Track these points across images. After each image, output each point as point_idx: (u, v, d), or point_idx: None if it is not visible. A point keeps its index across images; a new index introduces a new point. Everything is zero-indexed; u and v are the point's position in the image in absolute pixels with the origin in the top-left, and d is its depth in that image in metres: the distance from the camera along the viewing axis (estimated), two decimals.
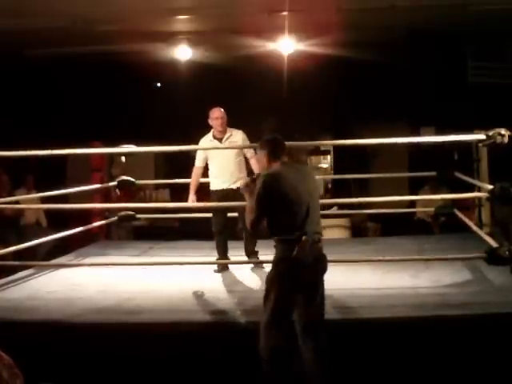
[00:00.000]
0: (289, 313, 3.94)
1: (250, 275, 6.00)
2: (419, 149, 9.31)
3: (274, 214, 3.96)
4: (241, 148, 6.30)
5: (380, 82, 10.23)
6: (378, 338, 4.34)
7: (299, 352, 3.96)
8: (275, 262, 3.99)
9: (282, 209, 3.94)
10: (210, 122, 6.36)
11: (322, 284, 4.03)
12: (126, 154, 7.96)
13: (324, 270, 4.03)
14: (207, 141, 6.39)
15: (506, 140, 5.12)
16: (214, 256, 6.38)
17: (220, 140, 6.33)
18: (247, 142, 6.29)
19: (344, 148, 10.38)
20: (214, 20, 8.67)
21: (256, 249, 6.31)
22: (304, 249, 3.87)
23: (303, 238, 3.87)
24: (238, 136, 6.32)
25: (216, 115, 6.31)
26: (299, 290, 3.93)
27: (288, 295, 3.91)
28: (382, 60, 9.62)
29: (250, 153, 6.29)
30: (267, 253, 6.65)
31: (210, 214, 6.54)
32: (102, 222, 8.14)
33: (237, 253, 6.53)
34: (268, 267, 6.15)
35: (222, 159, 6.30)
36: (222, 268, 6.23)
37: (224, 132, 6.28)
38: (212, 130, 6.37)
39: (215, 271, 6.21)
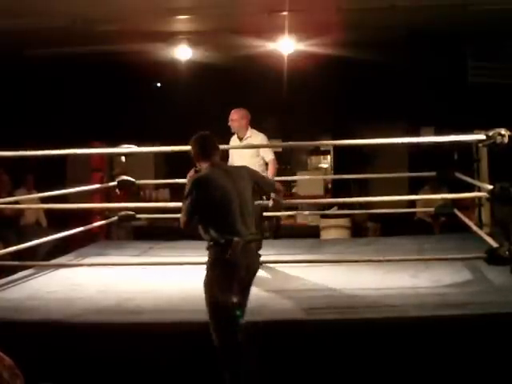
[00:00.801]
0: (234, 311, 3.96)
1: None
2: (419, 149, 9.32)
3: (204, 218, 4.01)
4: (254, 147, 6.36)
5: (380, 81, 10.24)
6: (378, 337, 4.34)
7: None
8: (209, 266, 4.04)
9: (211, 213, 3.98)
10: None
11: (251, 283, 4.14)
12: (126, 154, 7.96)
13: (257, 269, 4.16)
14: (232, 140, 6.56)
15: (506, 140, 5.11)
16: None
17: (240, 140, 6.45)
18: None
19: (344, 148, 10.40)
20: (214, 20, 8.68)
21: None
22: (236, 251, 3.92)
23: (235, 240, 3.91)
24: (255, 138, 6.43)
25: (230, 117, 6.45)
26: (235, 291, 3.97)
27: (226, 296, 3.94)
28: (381, 60, 9.63)
29: (267, 156, 6.34)
30: (269, 253, 6.69)
31: None
32: (102, 222, 8.14)
33: None
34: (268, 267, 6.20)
35: (238, 159, 6.41)
36: None
37: (243, 133, 6.38)
38: None
39: None
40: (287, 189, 10.72)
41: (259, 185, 4.27)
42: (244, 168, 4.31)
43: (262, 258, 6.26)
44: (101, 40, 9.16)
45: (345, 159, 10.83)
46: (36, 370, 3.06)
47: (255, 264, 4.14)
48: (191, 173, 4.24)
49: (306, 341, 4.35)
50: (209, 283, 4.01)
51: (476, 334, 4.28)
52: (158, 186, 11.07)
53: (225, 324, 3.95)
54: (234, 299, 3.94)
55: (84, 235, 7.55)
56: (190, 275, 5.99)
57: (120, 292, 5.46)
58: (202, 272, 6.08)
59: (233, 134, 6.58)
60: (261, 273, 5.93)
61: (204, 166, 4.11)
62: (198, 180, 4.04)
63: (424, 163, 8.13)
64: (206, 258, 6.47)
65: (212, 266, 4.02)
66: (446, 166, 7.75)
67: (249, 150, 6.33)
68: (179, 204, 6.66)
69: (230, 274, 3.95)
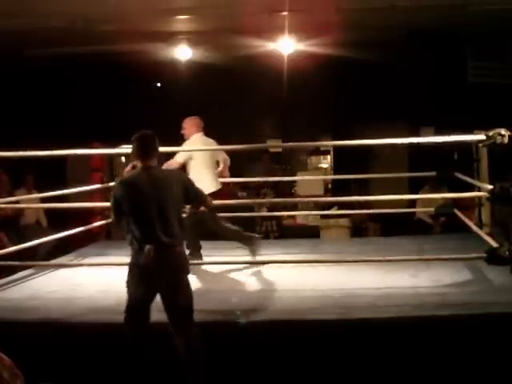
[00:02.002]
0: (139, 314, 4.06)
1: (249, 275, 6.00)
2: (419, 149, 9.31)
3: (125, 220, 4.08)
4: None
5: (380, 82, 10.24)
6: (379, 337, 4.34)
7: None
8: (128, 268, 4.11)
9: (130, 215, 4.05)
10: None
11: (182, 286, 4.10)
12: (126, 155, 7.97)
13: (176, 272, 4.09)
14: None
15: (506, 140, 5.11)
16: (213, 256, 6.39)
17: None
18: (181, 148, 6.52)
19: (344, 148, 10.39)
20: (214, 20, 8.68)
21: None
22: (148, 256, 3.97)
23: (147, 246, 3.97)
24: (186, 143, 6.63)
25: (182, 125, 6.69)
26: (151, 294, 4.04)
27: (136, 299, 4.05)
28: (381, 60, 9.63)
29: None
30: (269, 253, 6.69)
31: None
32: (102, 222, 8.14)
33: (237, 253, 6.53)
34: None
35: None
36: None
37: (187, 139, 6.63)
38: None
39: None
40: (287, 189, 10.72)
41: (187, 194, 4.22)
42: (177, 174, 4.35)
43: (263, 258, 6.33)
44: (101, 40, 9.16)
45: (345, 159, 10.83)
46: (36, 370, 3.06)
47: (175, 267, 4.09)
48: (128, 168, 4.30)
49: (306, 341, 4.35)
50: (126, 285, 4.10)
51: (476, 334, 4.28)
52: None
53: (128, 328, 4.05)
54: (138, 304, 4.03)
55: (84, 235, 7.55)
56: (189, 275, 5.99)
57: (120, 292, 5.41)
58: (201, 272, 6.12)
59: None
60: (261, 273, 5.97)
61: (139, 166, 4.17)
62: (121, 182, 4.15)
63: (424, 163, 8.13)
64: (205, 259, 6.50)
65: (129, 269, 4.10)
66: (446, 166, 7.75)
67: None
68: None
69: (139, 280, 4.02)
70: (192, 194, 4.29)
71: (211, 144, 6.62)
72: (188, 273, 4.19)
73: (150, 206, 4.02)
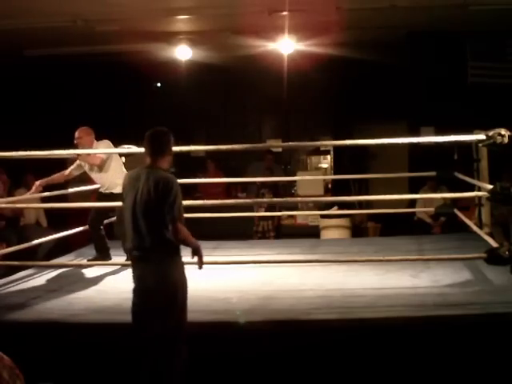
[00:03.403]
0: (141, 326, 4.00)
1: (249, 275, 6.00)
2: (419, 149, 9.31)
3: None
4: None
5: (380, 82, 10.24)
6: (378, 337, 4.34)
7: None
8: None
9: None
10: None
11: (158, 310, 3.92)
12: (126, 155, 7.98)
13: (148, 294, 3.92)
14: None
15: (505, 140, 5.11)
16: (214, 256, 6.38)
17: None
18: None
19: (344, 148, 10.40)
20: (214, 20, 8.69)
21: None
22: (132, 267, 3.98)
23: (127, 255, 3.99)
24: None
25: (75, 136, 6.86)
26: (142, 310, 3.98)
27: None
28: (381, 60, 9.64)
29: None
30: (269, 253, 6.69)
31: (208, 214, 6.58)
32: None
33: (237, 253, 6.54)
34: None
35: None
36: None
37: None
38: None
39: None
40: (287, 189, 10.72)
41: (157, 208, 3.79)
42: (161, 179, 3.82)
43: (263, 258, 6.33)
44: (101, 40, 9.17)
45: (345, 159, 10.84)
46: (36, 370, 3.06)
47: (141, 282, 3.94)
48: None
49: (305, 340, 4.35)
50: None
51: (476, 334, 4.28)
52: None
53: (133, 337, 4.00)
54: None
55: (84, 235, 7.55)
56: (189, 275, 5.99)
57: (120, 292, 5.45)
58: (201, 272, 6.11)
59: None
60: (261, 273, 5.97)
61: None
62: (125, 176, 4.09)
63: (424, 163, 8.13)
64: (206, 259, 6.48)
65: None
66: (446, 166, 7.74)
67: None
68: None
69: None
70: (159, 208, 3.77)
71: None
72: (170, 295, 3.94)
73: (129, 210, 3.84)
